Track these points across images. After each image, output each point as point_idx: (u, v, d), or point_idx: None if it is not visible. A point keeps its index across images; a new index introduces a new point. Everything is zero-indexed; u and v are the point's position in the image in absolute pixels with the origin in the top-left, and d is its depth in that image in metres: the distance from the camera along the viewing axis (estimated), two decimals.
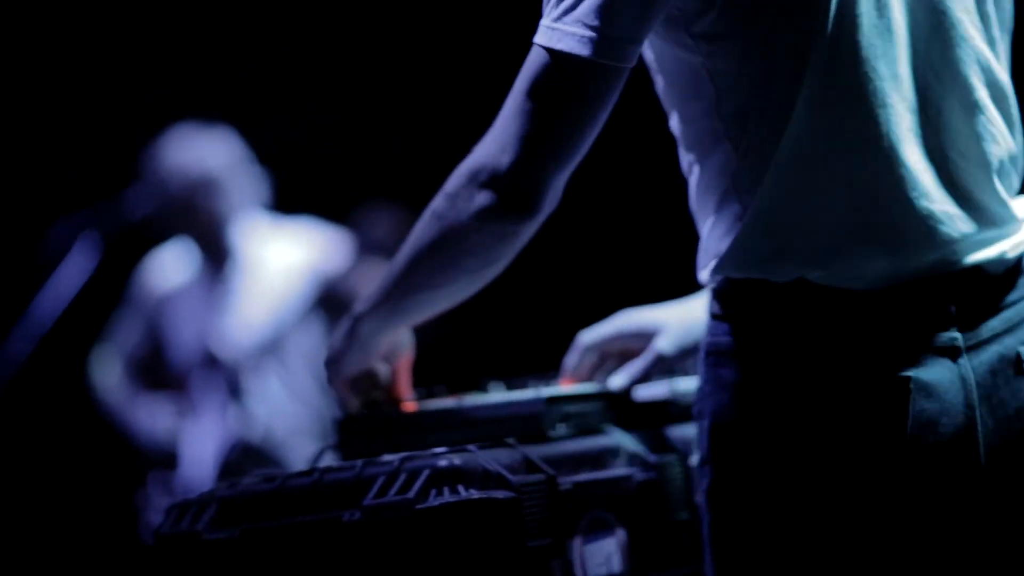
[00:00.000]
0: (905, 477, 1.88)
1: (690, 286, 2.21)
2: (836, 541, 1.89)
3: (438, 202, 1.99)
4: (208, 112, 5.14)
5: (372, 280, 3.14)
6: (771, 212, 1.92)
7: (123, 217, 4.89)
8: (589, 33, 1.88)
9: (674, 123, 2.03)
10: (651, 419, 2.23)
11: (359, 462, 1.97)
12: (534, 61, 1.92)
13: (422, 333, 2.20)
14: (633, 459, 2.13)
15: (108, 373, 5.13)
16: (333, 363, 2.15)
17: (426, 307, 2.09)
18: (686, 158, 2.02)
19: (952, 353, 1.92)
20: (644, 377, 2.25)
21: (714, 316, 1.98)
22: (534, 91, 1.91)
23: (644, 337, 2.28)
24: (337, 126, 6.47)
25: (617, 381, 2.24)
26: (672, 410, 2.25)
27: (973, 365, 1.93)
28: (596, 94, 1.91)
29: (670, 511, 2.15)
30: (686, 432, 2.21)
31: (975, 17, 1.98)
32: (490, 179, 1.93)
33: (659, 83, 2.04)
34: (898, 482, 1.88)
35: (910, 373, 1.89)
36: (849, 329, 1.91)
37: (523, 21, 2.06)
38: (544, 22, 1.92)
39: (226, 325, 4.98)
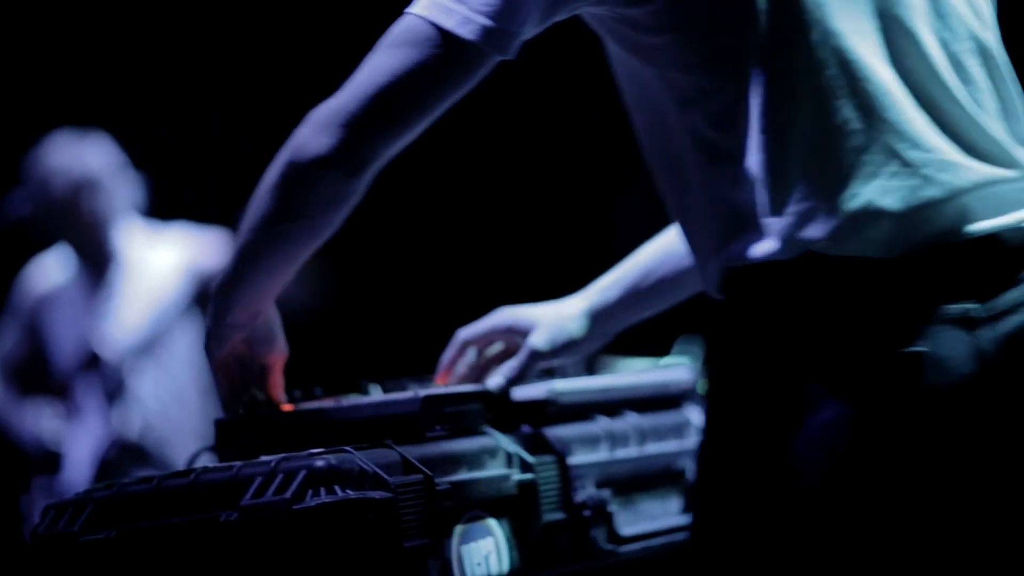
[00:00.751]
0: (919, 454, 1.84)
1: (566, 287, 2.23)
2: (840, 521, 1.85)
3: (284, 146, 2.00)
4: (87, 117, 5.14)
5: None
6: (768, 180, 1.90)
7: (2, 220, 4.88)
8: (482, 20, 1.89)
9: (651, 140, 2.02)
10: (529, 419, 2.25)
11: (237, 463, 1.97)
12: (411, 28, 1.92)
13: (297, 333, 2.21)
14: (511, 459, 2.15)
15: None
16: (205, 346, 2.16)
17: (268, 263, 2.07)
18: (669, 174, 2.01)
19: (969, 324, 1.87)
20: (521, 376, 2.26)
21: (723, 304, 1.96)
22: (396, 56, 1.92)
23: (519, 333, 2.29)
24: (216, 131, 6.45)
25: (494, 381, 2.25)
26: (550, 410, 2.27)
27: (992, 337, 1.87)
28: (462, 78, 1.93)
29: (547, 511, 2.17)
30: (564, 432, 2.23)
31: None
32: (325, 130, 1.94)
33: (637, 116, 2.03)
34: (912, 459, 1.84)
35: (922, 348, 1.85)
36: (860, 302, 1.87)
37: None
38: None
39: (106, 326, 4.96)
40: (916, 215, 1.88)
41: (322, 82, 2.12)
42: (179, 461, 4.62)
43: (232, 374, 2.18)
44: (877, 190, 1.87)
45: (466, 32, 1.89)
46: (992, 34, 2.01)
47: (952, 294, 1.88)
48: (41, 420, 4.98)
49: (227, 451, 2.17)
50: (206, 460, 2.22)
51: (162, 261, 5.01)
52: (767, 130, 1.89)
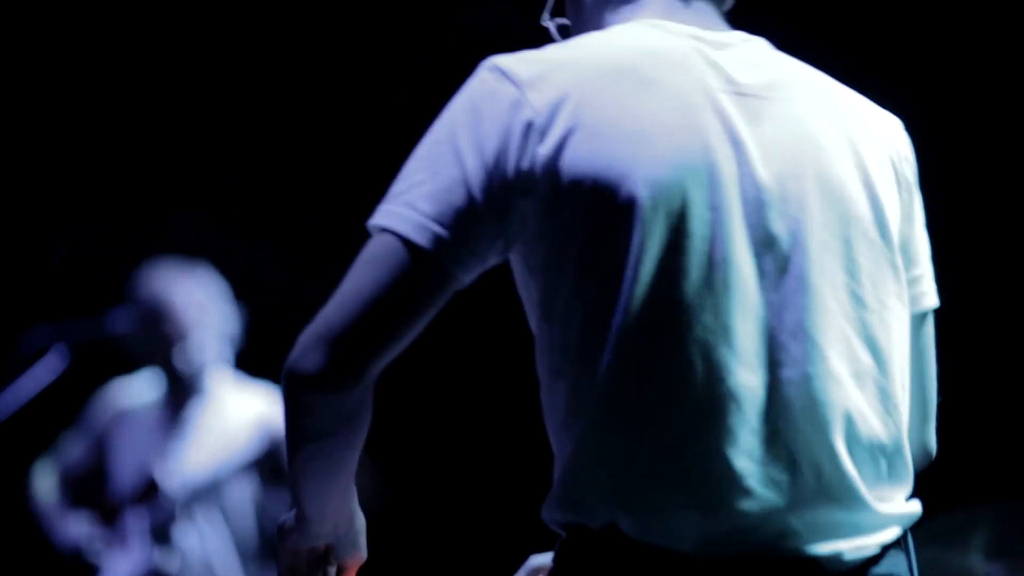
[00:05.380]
0: None
1: None
2: None
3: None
4: (198, 251, 5.24)
5: None
6: (589, 447, 1.91)
7: (99, 334, 4.95)
8: (425, 221, 1.94)
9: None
10: None
11: None
12: (373, 241, 1.97)
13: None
14: None
15: (45, 481, 5.14)
16: (280, 529, 2.14)
17: (315, 482, 2.06)
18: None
19: None
20: None
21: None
22: (364, 271, 1.96)
23: None
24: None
25: None
26: None
27: None
28: (424, 288, 1.96)
29: None
30: None
31: (840, 290, 1.98)
32: (313, 350, 1.95)
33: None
34: None
35: None
36: None
37: None
38: (384, 204, 1.98)
39: (172, 460, 5.01)
40: (718, 523, 1.89)
41: None
42: None
43: (299, 564, 2.16)
44: (694, 488, 1.89)
45: (419, 238, 1.94)
46: (893, 312, 2.02)
47: None
48: (85, 533, 5.02)
49: None
50: None
51: (242, 411, 5.05)
52: (601, 397, 1.91)
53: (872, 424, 1.97)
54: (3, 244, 6.31)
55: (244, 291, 5.22)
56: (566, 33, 2.26)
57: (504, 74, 2.00)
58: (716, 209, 1.94)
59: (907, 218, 2.10)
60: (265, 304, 5.31)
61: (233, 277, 5.21)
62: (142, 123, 6.41)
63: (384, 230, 1.96)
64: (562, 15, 2.26)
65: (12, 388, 4.83)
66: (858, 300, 1.99)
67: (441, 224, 1.94)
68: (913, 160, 2.14)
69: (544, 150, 1.94)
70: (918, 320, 2.12)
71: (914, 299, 2.10)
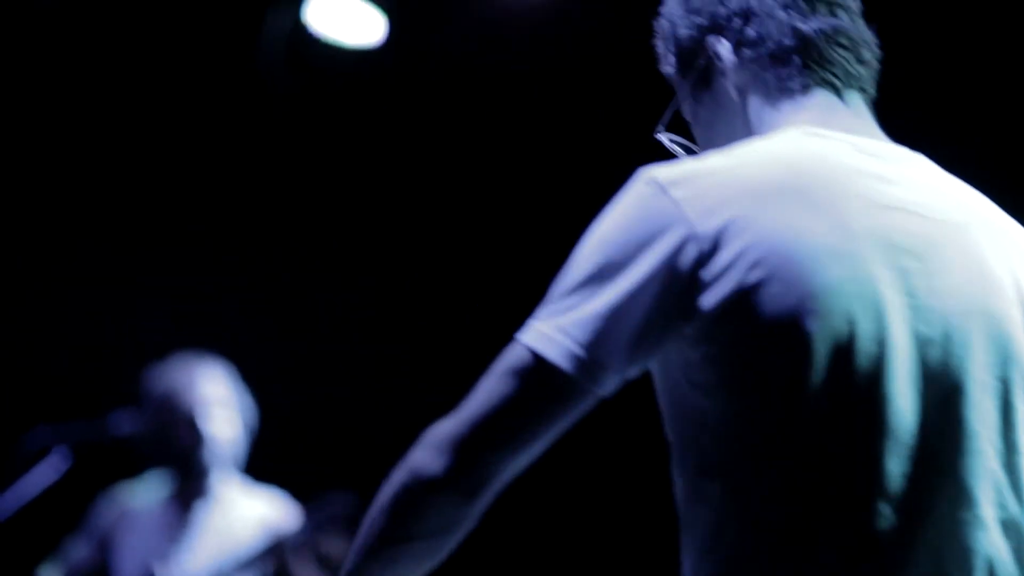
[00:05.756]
0: None
1: None
2: None
3: (398, 467, 2.00)
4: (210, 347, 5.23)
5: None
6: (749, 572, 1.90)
7: (103, 436, 4.94)
8: (575, 348, 1.91)
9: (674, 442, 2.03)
10: None
11: None
12: (515, 353, 1.95)
13: None
14: None
15: None
16: None
17: None
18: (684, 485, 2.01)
19: None
20: None
21: None
22: (504, 383, 1.94)
23: None
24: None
25: None
26: None
27: None
28: (562, 408, 1.94)
29: None
30: None
31: (995, 432, 1.96)
32: (437, 452, 1.93)
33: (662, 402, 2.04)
34: None
35: None
36: None
37: None
38: (535, 321, 1.95)
39: (175, 560, 4.99)
40: None
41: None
42: None
43: None
44: None
45: (566, 365, 1.92)
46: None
47: None
48: None
49: None
50: None
51: (247, 513, 5.03)
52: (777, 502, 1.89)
53: (1011, 572, 1.95)
54: (6, 344, 6.33)
55: (258, 390, 5.21)
56: (685, 147, 2.23)
57: (664, 191, 1.93)
58: (882, 344, 1.91)
59: None
60: (277, 403, 5.30)
61: (246, 376, 5.20)
62: (151, 222, 6.44)
63: (530, 349, 1.93)
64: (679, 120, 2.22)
65: (13, 489, 4.80)
66: (1012, 445, 1.97)
67: (592, 351, 1.91)
68: None
69: (710, 277, 1.89)
70: None
71: None
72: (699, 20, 2.18)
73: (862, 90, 2.16)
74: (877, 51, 2.19)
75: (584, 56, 5.73)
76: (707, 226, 1.90)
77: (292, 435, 6.15)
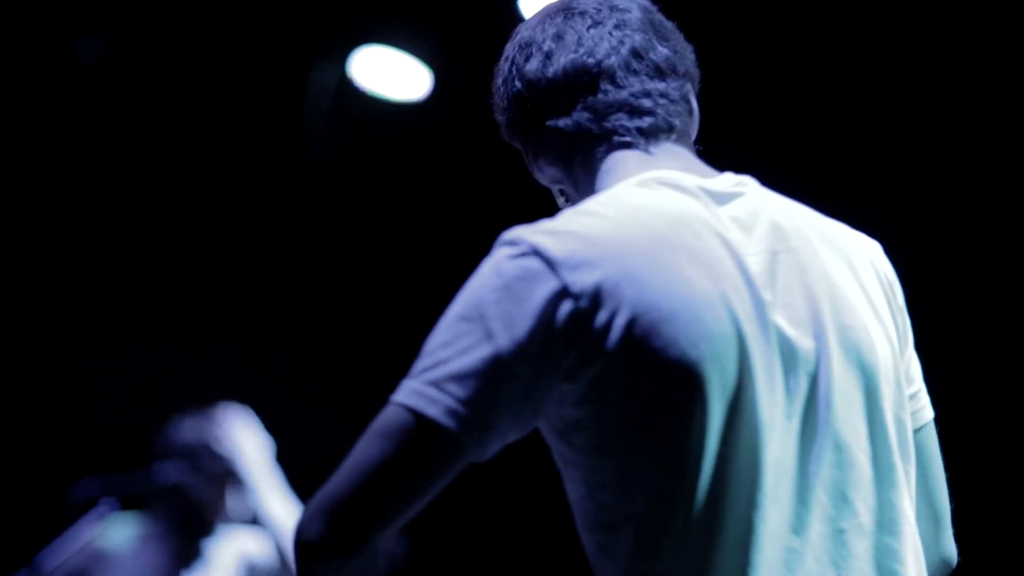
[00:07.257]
0: None
1: None
2: None
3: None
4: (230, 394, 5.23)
5: None
6: None
7: (148, 486, 4.93)
8: (454, 405, 1.91)
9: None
10: None
11: None
12: (391, 413, 1.95)
13: None
14: None
15: None
16: None
17: None
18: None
19: None
20: None
21: None
22: (383, 443, 1.93)
23: None
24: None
25: None
26: None
27: None
28: (445, 467, 1.94)
29: None
30: None
31: (865, 432, 2.03)
32: (318, 516, 1.94)
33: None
34: None
35: None
36: None
37: None
38: (408, 381, 1.95)
39: None
40: None
41: None
42: None
43: None
44: None
45: (448, 422, 1.92)
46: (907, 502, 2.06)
47: None
48: None
49: None
50: None
51: (229, 548, 5.00)
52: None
53: (905, 570, 2.02)
54: (52, 396, 6.36)
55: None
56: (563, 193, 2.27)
57: (536, 252, 1.95)
58: (753, 380, 1.96)
59: (903, 341, 2.17)
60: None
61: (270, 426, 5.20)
62: (199, 276, 6.48)
63: (407, 408, 1.94)
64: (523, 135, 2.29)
65: (60, 540, 4.81)
66: (883, 447, 2.04)
67: (468, 406, 1.91)
68: (897, 281, 2.20)
69: (587, 335, 1.91)
70: (919, 434, 2.17)
71: (914, 415, 2.16)
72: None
73: (685, 134, 2.25)
74: (694, 105, 2.28)
75: None
76: (583, 287, 1.92)
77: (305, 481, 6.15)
